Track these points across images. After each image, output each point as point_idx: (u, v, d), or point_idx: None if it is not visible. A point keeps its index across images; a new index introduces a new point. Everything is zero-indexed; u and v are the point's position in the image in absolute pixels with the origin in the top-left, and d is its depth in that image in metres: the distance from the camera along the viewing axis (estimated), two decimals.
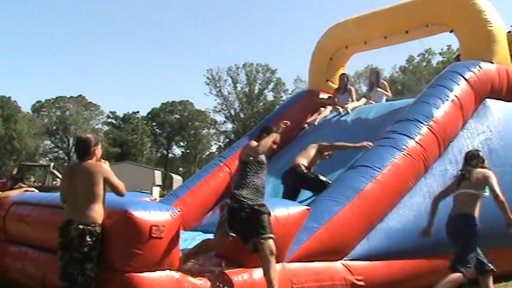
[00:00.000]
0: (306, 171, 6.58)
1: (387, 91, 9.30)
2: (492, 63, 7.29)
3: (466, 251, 5.06)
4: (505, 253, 6.69)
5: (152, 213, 4.32)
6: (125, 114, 70.09)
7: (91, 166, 4.41)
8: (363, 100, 9.12)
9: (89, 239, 4.24)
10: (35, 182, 24.56)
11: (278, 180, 7.63)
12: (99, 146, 4.60)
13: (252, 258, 4.75)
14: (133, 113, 70.67)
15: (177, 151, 73.98)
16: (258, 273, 4.74)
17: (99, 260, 4.33)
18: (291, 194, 6.52)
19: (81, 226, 4.25)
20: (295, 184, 6.67)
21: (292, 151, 8.47)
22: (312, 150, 6.83)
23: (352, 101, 9.15)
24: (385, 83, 9.56)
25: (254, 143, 4.88)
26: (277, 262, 4.85)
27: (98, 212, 4.34)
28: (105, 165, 4.46)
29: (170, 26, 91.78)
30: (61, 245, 4.35)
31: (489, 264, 5.29)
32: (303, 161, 6.69)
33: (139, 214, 4.27)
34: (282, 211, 5.01)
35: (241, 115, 64.07)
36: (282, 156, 8.53)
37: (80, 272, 4.24)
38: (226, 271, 4.71)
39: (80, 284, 4.23)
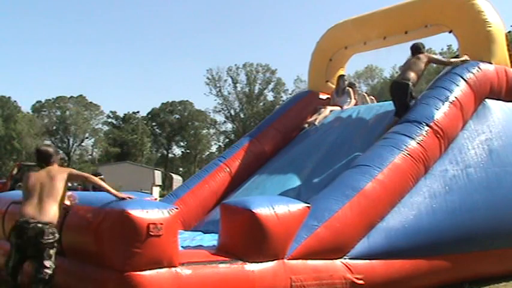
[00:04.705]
0: (409, 88, 6.90)
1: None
2: (491, 63, 7.30)
3: None
4: (506, 253, 6.72)
5: (149, 212, 4.32)
6: (125, 114, 70.19)
7: (54, 169, 4.74)
8: (329, 109, 9.09)
9: (47, 238, 4.30)
10: None
11: (278, 179, 7.65)
12: (58, 157, 5.03)
13: (251, 252, 4.78)
14: (134, 113, 70.78)
15: (177, 151, 74.11)
16: (257, 266, 4.76)
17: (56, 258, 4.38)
18: (398, 106, 7.01)
19: (39, 225, 4.31)
20: (399, 96, 7.04)
21: (292, 151, 8.49)
22: (421, 63, 7.17)
23: (351, 101, 9.19)
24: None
25: None
26: (277, 259, 4.89)
27: (55, 213, 4.43)
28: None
29: (170, 26, 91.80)
30: (16, 245, 4.40)
31: None
32: (411, 75, 7.04)
33: (136, 213, 4.27)
34: (282, 208, 5.01)
35: (241, 115, 64.13)
36: (282, 156, 8.54)
37: (38, 269, 4.30)
38: (226, 265, 4.69)
39: (40, 281, 4.27)
